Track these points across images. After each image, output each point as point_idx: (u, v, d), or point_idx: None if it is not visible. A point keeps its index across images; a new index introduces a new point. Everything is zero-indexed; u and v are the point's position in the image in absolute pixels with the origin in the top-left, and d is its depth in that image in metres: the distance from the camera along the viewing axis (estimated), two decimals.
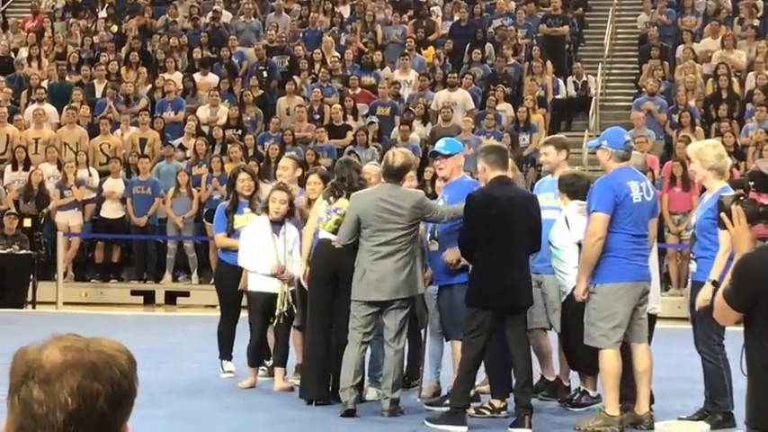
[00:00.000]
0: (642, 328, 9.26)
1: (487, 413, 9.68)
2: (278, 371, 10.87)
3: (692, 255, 9.56)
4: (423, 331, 10.57)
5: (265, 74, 23.73)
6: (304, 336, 10.53)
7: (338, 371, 9.79)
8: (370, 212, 9.63)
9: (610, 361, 9.07)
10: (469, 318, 9.25)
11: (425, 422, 9.27)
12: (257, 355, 11.04)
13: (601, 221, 9.01)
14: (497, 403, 9.69)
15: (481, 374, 10.58)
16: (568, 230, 9.71)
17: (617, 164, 9.28)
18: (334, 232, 9.97)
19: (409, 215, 9.61)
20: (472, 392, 10.12)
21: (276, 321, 10.76)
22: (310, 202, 10.73)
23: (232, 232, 11.32)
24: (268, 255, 10.70)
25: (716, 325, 8.80)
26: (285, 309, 10.68)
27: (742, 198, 5.34)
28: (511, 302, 9.28)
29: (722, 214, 5.33)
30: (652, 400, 9.51)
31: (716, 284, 8.79)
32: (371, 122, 21.77)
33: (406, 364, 10.53)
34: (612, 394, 9.14)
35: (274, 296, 10.67)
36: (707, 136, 20.58)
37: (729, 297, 5.07)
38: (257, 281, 10.77)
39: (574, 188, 9.77)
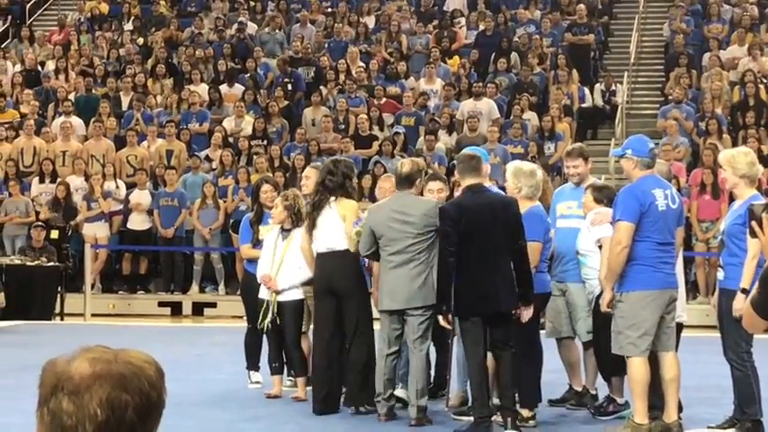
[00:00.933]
0: (670, 337, 9.24)
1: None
2: (299, 381, 10.95)
3: (719, 262, 9.54)
4: (450, 340, 10.55)
5: (290, 86, 23.78)
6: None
7: (345, 380, 9.97)
8: (383, 223, 9.73)
9: (638, 369, 9.05)
10: (462, 329, 9.32)
11: None
12: (275, 364, 11.06)
13: (626, 230, 9.00)
14: (525, 413, 9.68)
15: None
16: (591, 236, 9.71)
17: (642, 172, 9.26)
18: (357, 244, 10.06)
19: (420, 223, 9.65)
20: (498, 401, 10.14)
21: (263, 329, 10.89)
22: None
23: (257, 243, 11.35)
24: (263, 262, 10.82)
25: (744, 332, 8.77)
26: (269, 319, 10.74)
27: None
28: (494, 308, 9.31)
29: (753, 222, 5.31)
30: (680, 409, 9.47)
31: (746, 292, 8.77)
32: (397, 132, 21.78)
33: (433, 373, 10.52)
34: (641, 403, 9.11)
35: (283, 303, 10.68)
36: (734, 143, 20.53)
37: (757, 305, 5.06)
38: (265, 289, 10.84)
39: (600, 195, 9.77)
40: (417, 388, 9.64)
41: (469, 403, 10.19)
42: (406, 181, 9.90)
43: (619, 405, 10.08)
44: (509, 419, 9.29)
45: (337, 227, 10.18)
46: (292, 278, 10.69)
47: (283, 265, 10.73)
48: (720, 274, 9.41)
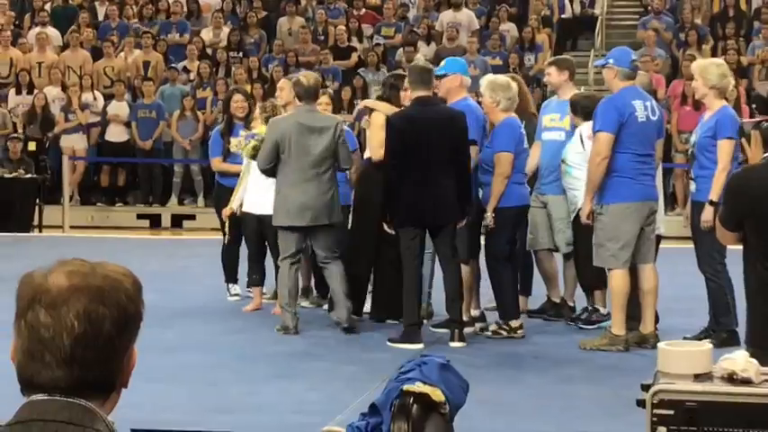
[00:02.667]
0: (649, 249, 9.30)
1: (505, 333, 9.77)
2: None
3: (690, 175, 9.55)
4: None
5: None
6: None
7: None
8: (289, 135, 9.75)
9: (618, 281, 9.13)
10: (401, 237, 9.46)
11: (387, 342, 9.43)
12: (251, 276, 11.08)
13: (605, 141, 9.01)
14: (513, 323, 9.78)
15: (484, 295, 10.66)
16: (583, 149, 9.70)
17: (623, 83, 9.26)
18: (253, 157, 10.14)
19: (329, 135, 9.79)
20: (478, 312, 10.23)
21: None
22: None
23: (228, 155, 11.28)
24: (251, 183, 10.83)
25: (717, 244, 8.82)
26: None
27: (763, 123, 5.33)
28: (431, 220, 9.44)
29: (742, 139, 5.37)
30: (657, 320, 9.56)
31: (714, 204, 8.84)
32: (377, 44, 21.64)
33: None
34: (620, 314, 9.21)
35: (262, 217, 10.58)
36: (712, 54, 20.47)
37: (721, 216, 5.08)
38: (246, 201, 10.81)
39: (588, 109, 9.74)
40: (342, 296, 9.88)
41: (433, 316, 10.33)
42: (312, 94, 9.98)
43: (602, 315, 10.16)
44: (456, 331, 9.46)
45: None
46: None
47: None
48: (692, 187, 9.46)
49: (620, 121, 9.05)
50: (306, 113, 9.91)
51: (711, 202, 9.00)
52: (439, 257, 9.67)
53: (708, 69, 9.32)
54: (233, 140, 11.00)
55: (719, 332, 9.16)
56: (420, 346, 9.29)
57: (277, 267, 10.26)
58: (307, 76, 10.23)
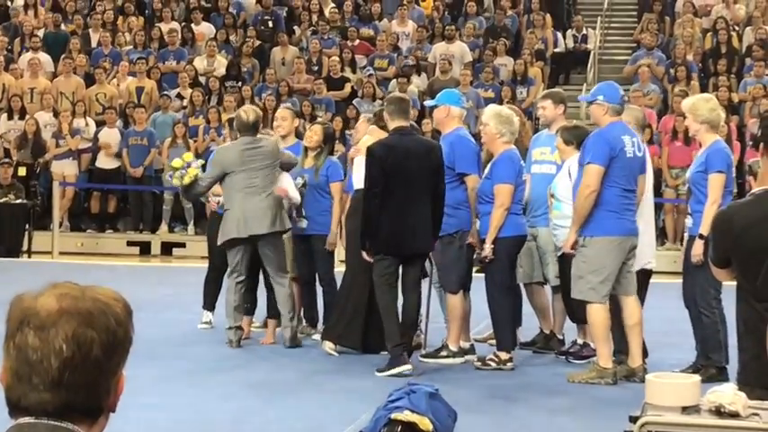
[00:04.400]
0: (630, 282, 9.32)
1: (493, 365, 9.75)
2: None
3: (688, 210, 9.58)
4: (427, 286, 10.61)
5: (270, 23, 23.58)
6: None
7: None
8: (235, 159, 10.33)
9: (598, 314, 9.15)
10: (377, 265, 9.58)
11: (376, 373, 9.45)
12: (246, 305, 11.07)
13: (596, 174, 9.03)
14: (503, 355, 9.76)
15: (475, 324, 10.65)
16: (570, 182, 9.71)
17: (612, 118, 9.30)
18: (190, 186, 10.55)
19: (270, 152, 10.35)
20: (468, 344, 10.22)
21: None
22: (307, 151, 10.83)
23: None
24: None
25: (713, 279, 8.82)
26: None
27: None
28: (409, 249, 9.59)
29: (750, 177, 5.37)
30: (646, 354, 9.55)
31: (703, 238, 8.88)
32: (370, 74, 21.67)
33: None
34: (604, 347, 9.20)
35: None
36: (704, 90, 20.53)
37: (709, 252, 5.06)
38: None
39: (578, 140, 9.76)
40: (289, 314, 10.37)
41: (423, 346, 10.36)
42: (252, 128, 10.48)
43: (592, 349, 10.13)
44: (404, 354, 9.57)
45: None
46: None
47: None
48: (689, 222, 9.49)
49: (612, 155, 9.07)
50: (247, 143, 10.44)
51: (701, 236, 9.03)
52: (406, 284, 9.74)
53: (697, 105, 9.37)
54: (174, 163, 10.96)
55: (708, 368, 9.14)
56: (408, 366, 9.35)
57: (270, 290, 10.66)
58: (247, 111, 10.74)
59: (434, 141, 9.94)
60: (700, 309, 9.24)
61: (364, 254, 9.67)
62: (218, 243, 10.52)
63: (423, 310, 10.45)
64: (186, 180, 10.46)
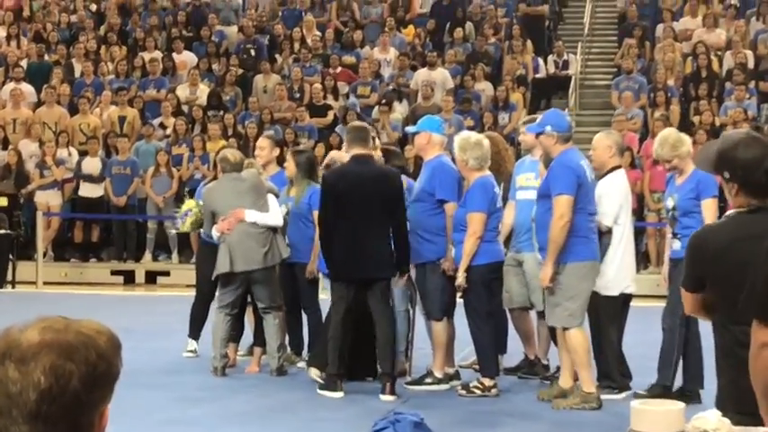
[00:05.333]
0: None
1: (478, 392, 9.75)
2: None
3: (675, 234, 9.55)
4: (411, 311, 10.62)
5: (253, 52, 23.64)
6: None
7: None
8: (222, 199, 10.49)
9: (578, 339, 9.22)
10: (332, 290, 9.78)
11: (317, 390, 9.74)
12: (232, 332, 11.09)
13: (568, 204, 9.12)
14: (487, 382, 9.77)
15: (459, 350, 10.66)
16: None
17: (562, 146, 9.37)
18: (194, 228, 11.10)
19: (256, 191, 10.50)
20: (452, 370, 10.22)
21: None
22: (291, 181, 10.88)
23: None
24: None
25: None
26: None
27: None
28: (363, 274, 9.65)
29: None
30: (629, 377, 9.61)
31: None
32: (353, 105, 21.64)
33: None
34: (586, 372, 9.26)
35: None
36: (685, 115, 20.66)
37: (683, 279, 5.00)
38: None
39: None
40: (276, 345, 10.49)
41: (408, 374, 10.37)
42: (237, 167, 10.67)
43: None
44: (387, 384, 9.63)
45: None
46: None
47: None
48: (676, 245, 9.51)
49: (579, 183, 9.16)
50: (233, 180, 10.63)
51: None
52: (373, 312, 9.77)
53: (675, 144, 9.44)
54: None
55: (655, 386, 9.22)
56: (339, 394, 9.60)
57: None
58: (234, 155, 11.01)
59: (392, 169, 10.11)
60: (663, 325, 9.34)
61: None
62: (212, 277, 10.64)
63: (407, 337, 10.48)
64: (183, 228, 11.02)
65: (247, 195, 10.52)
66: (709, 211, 9.17)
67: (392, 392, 9.59)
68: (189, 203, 11.05)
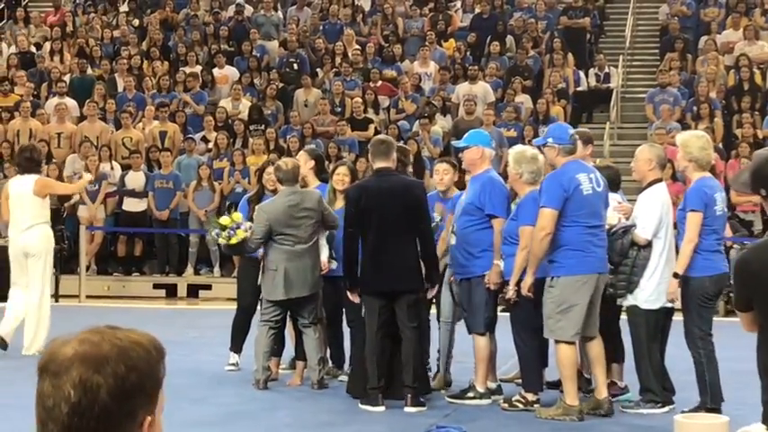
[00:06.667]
0: (595, 321, 9.36)
1: (520, 406, 9.73)
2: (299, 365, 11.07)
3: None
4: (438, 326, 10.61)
5: (296, 66, 23.72)
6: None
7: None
8: (279, 218, 10.35)
9: (566, 353, 9.26)
10: (364, 304, 9.81)
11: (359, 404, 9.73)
12: (274, 346, 11.10)
13: (550, 217, 9.14)
14: (530, 397, 9.76)
15: (501, 364, 10.64)
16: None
17: (564, 158, 9.41)
18: (231, 248, 10.84)
19: (317, 210, 10.35)
20: (494, 385, 10.20)
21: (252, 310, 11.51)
22: (336, 193, 10.87)
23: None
24: None
25: (697, 318, 9.00)
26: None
27: None
28: (388, 287, 9.70)
29: None
30: (673, 392, 9.57)
31: (677, 277, 8.98)
32: (396, 120, 21.68)
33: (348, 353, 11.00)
34: (571, 385, 9.31)
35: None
36: (728, 128, 20.56)
37: (733, 299, 5.00)
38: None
39: (608, 180, 9.85)
40: (317, 359, 10.50)
41: (451, 386, 10.36)
42: (291, 177, 10.50)
43: (619, 388, 10.12)
44: (409, 396, 9.64)
45: None
46: None
47: None
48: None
49: (565, 197, 9.15)
50: (290, 195, 10.45)
51: (676, 275, 9.14)
52: (399, 323, 9.78)
53: (688, 141, 9.44)
54: (222, 220, 11.06)
55: (699, 409, 9.15)
56: (381, 408, 9.58)
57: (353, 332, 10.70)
58: (286, 163, 10.84)
59: (416, 180, 10.24)
60: (689, 346, 9.33)
61: (349, 294, 9.92)
62: (263, 299, 10.64)
63: (440, 348, 10.52)
64: (233, 241, 10.59)
65: (305, 217, 10.41)
66: (689, 223, 9.18)
67: (414, 404, 9.60)
68: (237, 215, 10.87)
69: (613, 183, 10.13)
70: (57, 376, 2.19)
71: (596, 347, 9.39)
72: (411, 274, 9.70)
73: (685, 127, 20.77)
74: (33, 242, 12.60)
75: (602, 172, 10.11)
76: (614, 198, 9.97)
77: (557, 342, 9.30)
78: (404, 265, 9.67)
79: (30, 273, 12.61)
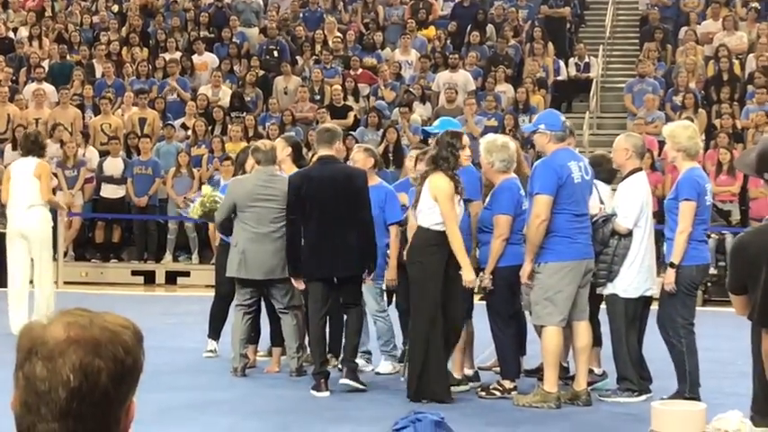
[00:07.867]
0: (584, 306, 9.39)
1: (498, 393, 9.76)
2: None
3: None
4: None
5: (276, 53, 23.68)
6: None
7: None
8: (246, 195, 10.36)
9: (551, 339, 9.28)
10: (308, 290, 9.94)
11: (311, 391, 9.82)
12: (251, 334, 11.09)
13: (545, 203, 9.16)
14: (507, 384, 9.77)
15: (479, 352, 10.65)
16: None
17: (556, 145, 9.42)
18: (203, 216, 11.04)
19: (282, 198, 10.24)
20: (471, 372, 10.22)
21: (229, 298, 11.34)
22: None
23: None
24: None
25: (681, 307, 9.02)
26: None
27: None
28: (330, 273, 9.88)
29: None
30: (650, 380, 9.61)
31: (674, 267, 9.00)
32: (374, 107, 21.66)
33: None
34: (552, 372, 9.34)
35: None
36: (707, 118, 20.59)
37: (728, 280, 5.04)
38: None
39: (601, 168, 9.91)
40: (294, 346, 10.42)
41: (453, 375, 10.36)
42: (270, 158, 10.51)
43: (596, 375, 10.15)
44: (346, 369, 9.92)
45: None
46: None
47: None
48: (664, 249, 9.60)
49: (559, 183, 9.17)
50: (262, 175, 10.47)
51: (672, 265, 9.16)
52: (343, 305, 10.01)
53: (675, 132, 9.49)
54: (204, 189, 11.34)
55: (675, 396, 9.18)
56: (326, 394, 9.69)
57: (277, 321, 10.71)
58: (264, 143, 10.93)
59: (358, 169, 10.27)
60: (669, 335, 9.34)
61: (293, 280, 10.04)
62: (228, 275, 10.65)
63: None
64: (196, 212, 10.90)
65: (272, 200, 10.37)
66: (682, 213, 9.21)
67: (351, 378, 9.85)
68: (205, 189, 11.01)
69: (611, 174, 10.26)
70: (50, 360, 2.18)
71: (584, 338, 9.38)
72: (354, 260, 9.84)
73: (666, 118, 20.86)
74: (32, 225, 12.77)
75: (596, 159, 10.25)
76: (605, 189, 10.11)
77: (542, 327, 9.31)
78: (345, 252, 9.79)
79: (35, 263, 12.99)
